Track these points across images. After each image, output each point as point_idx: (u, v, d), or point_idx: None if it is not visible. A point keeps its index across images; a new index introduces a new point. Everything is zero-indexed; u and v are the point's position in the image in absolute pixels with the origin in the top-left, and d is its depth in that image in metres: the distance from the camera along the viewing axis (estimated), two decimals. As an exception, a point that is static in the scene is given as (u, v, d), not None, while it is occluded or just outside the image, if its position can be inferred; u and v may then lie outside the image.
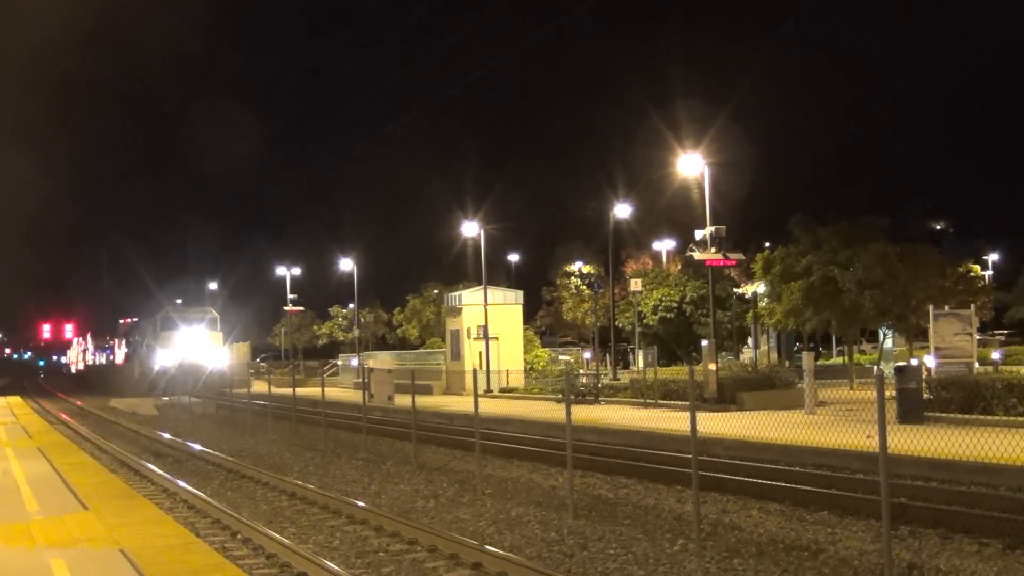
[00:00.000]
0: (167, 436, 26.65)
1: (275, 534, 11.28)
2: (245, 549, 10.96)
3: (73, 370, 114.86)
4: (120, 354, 71.66)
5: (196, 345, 52.14)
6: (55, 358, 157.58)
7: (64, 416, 37.34)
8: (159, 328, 54.14)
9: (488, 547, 10.27)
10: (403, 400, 29.21)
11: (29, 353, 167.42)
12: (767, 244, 39.56)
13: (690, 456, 10.67)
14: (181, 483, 16.02)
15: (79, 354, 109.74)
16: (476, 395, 16.36)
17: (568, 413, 13.34)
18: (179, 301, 66.14)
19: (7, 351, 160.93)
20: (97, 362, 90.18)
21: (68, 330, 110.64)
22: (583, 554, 10.30)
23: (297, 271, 68.61)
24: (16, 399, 47.23)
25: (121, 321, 75.67)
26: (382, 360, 47.82)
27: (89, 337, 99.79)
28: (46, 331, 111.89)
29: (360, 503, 13.56)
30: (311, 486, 15.42)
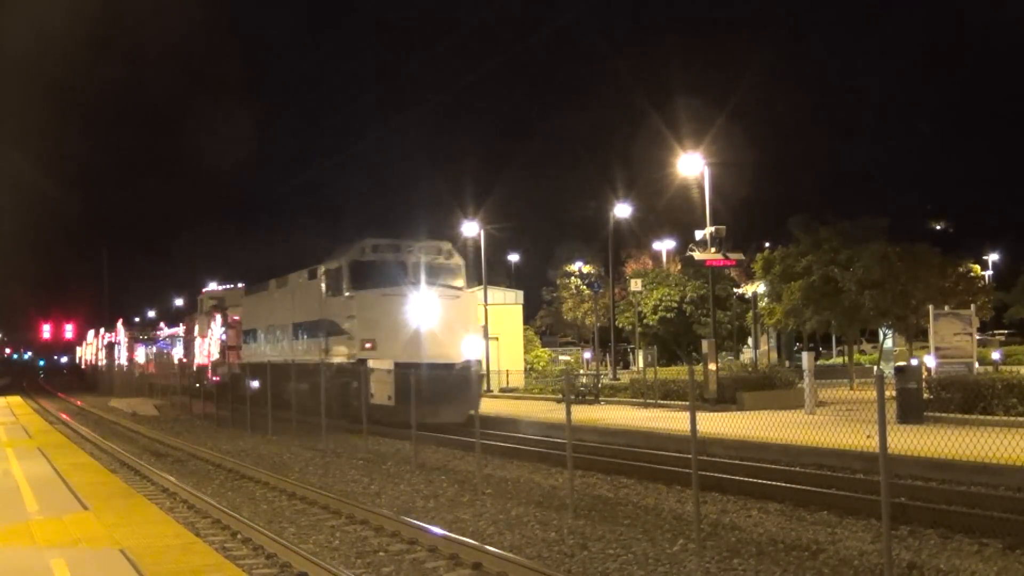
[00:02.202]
0: (169, 437, 26.64)
1: (275, 534, 11.28)
2: (245, 549, 10.96)
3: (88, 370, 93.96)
4: (207, 346, 43.87)
5: (436, 321, 25.27)
6: (55, 358, 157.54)
7: (64, 416, 37.35)
8: (345, 284, 26.38)
9: (488, 547, 10.27)
10: (403, 400, 29.16)
11: (29, 353, 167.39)
12: (767, 244, 39.62)
13: (690, 456, 10.68)
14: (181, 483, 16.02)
15: (96, 351, 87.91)
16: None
17: (568, 413, 13.33)
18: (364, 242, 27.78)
19: (7, 351, 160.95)
20: (142, 359, 64.86)
21: (68, 330, 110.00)
22: (583, 554, 10.29)
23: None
24: (16, 399, 47.26)
25: (204, 290, 50.53)
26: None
27: (120, 327, 75.42)
28: (46, 331, 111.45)
29: (360, 503, 13.57)
30: (311, 486, 15.42)
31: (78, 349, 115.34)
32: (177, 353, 53.28)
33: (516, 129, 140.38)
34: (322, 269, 28.18)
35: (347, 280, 26.46)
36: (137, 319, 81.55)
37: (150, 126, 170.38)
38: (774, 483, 14.08)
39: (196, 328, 47.26)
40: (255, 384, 31.43)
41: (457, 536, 10.88)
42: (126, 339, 71.04)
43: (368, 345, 25.41)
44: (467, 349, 25.68)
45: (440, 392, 19.35)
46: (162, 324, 72.51)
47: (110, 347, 76.74)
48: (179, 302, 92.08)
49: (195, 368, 45.60)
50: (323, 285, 27.91)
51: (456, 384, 23.70)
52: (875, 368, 23.73)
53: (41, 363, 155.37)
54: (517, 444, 20.46)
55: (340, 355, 26.32)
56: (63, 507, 12.01)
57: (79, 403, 48.76)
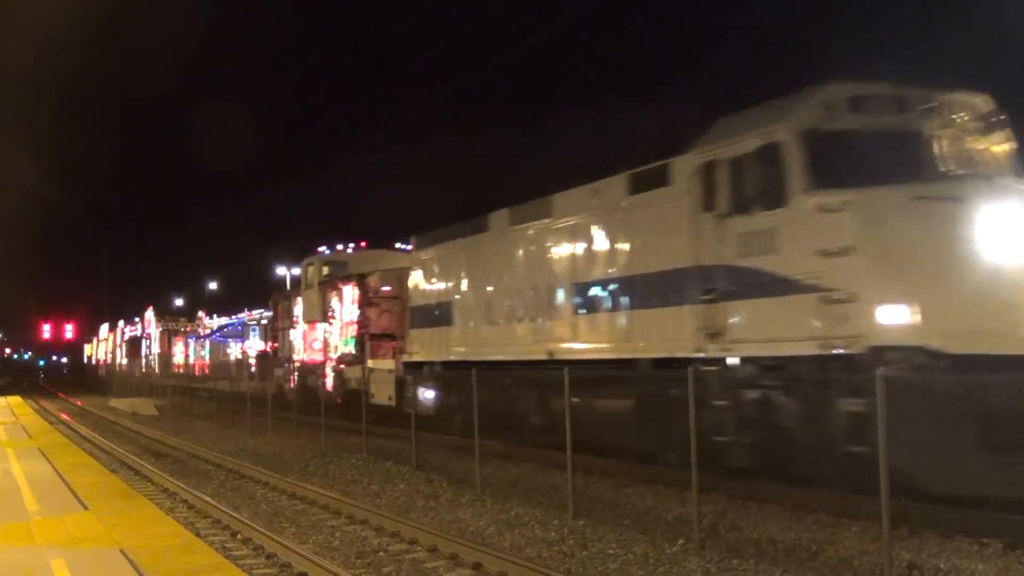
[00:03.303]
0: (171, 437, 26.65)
1: (275, 535, 11.29)
2: (245, 549, 10.97)
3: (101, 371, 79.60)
4: (321, 336, 30.26)
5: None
6: (55, 358, 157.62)
7: (64, 416, 37.36)
8: (797, 179, 11.67)
9: (488, 547, 10.27)
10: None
11: (29, 353, 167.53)
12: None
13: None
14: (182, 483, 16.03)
15: (113, 348, 75.38)
16: (475, 393, 16.33)
17: (567, 412, 13.33)
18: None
19: (7, 351, 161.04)
20: (182, 356, 53.36)
21: (68, 330, 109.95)
22: (583, 554, 10.29)
23: (298, 271, 67.99)
24: (16, 399, 47.26)
25: (319, 250, 32.25)
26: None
27: (151, 315, 61.12)
28: (46, 331, 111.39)
29: (360, 503, 13.57)
30: (311, 486, 15.43)
31: (86, 347, 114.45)
32: (252, 348, 41.41)
33: (514, 128, 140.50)
34: (697, 160, 13.51)
35: (801, 171, 11.96)
36: (137, 318, 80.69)
37: (150, 126, 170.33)
38: (774, 483, 14.05)
39: (299, 309, 32.54)
40: (430, 396, 21.56)
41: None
42: (158, 332, 57.04)
43: (895, 310, 11.04)
44: None
45: None
46: (200, 313, 64.70)
47: (133, 342, 64.69)
48: (179, 302, 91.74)
49: (296, 367, 32.47)
50: (704, 193, 13.28)
51: None
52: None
53: (41, 363, 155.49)
54: (515, 444, 20.11)
55: (792, 336, 11.93)
56: (63, 507, 12.01)
57: (79, 403, 48.77)
